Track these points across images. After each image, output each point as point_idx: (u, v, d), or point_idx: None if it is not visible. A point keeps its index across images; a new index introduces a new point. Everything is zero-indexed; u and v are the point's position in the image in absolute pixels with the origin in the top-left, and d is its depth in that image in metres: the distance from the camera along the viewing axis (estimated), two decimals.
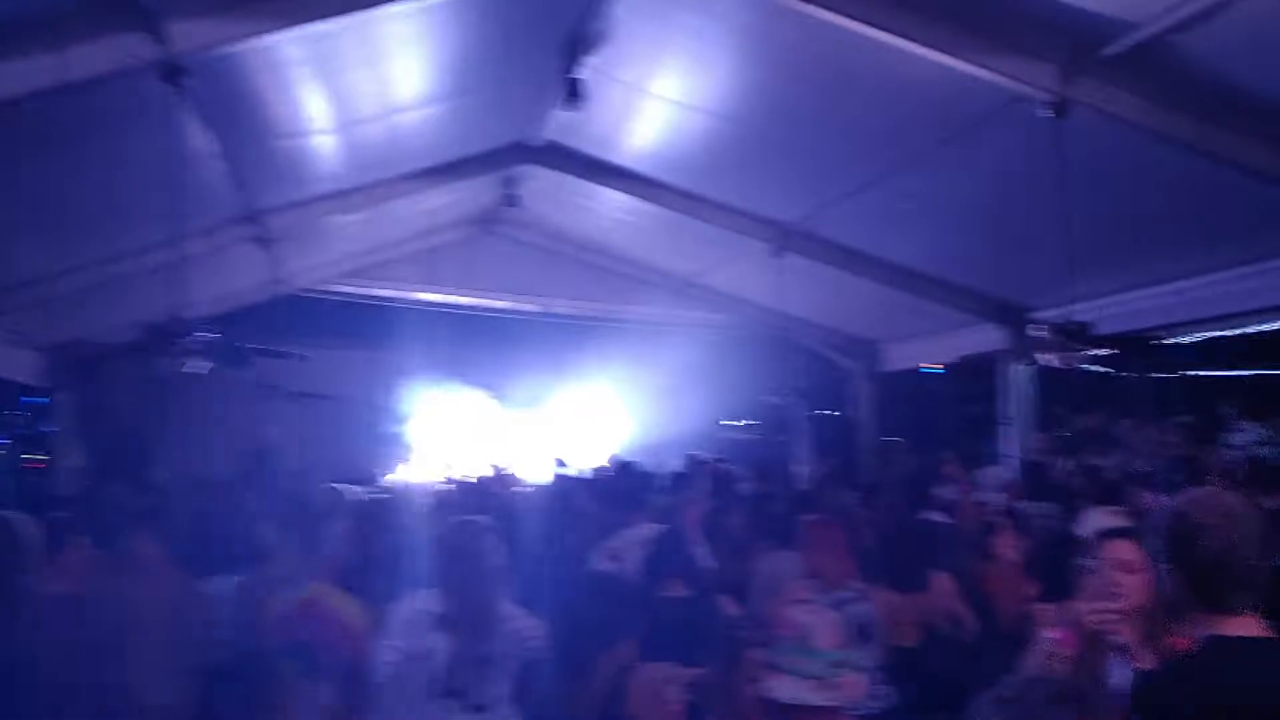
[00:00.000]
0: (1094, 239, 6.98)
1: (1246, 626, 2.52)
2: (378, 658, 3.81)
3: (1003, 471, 9.21)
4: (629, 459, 10.59)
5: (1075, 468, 10.28)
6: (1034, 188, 6.63)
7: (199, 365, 5.91)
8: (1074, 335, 5.84)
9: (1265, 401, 10.52)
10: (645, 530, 5.67)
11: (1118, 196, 6.74)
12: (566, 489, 9.18)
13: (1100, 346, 6.04)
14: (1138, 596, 3.05)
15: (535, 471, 11.76)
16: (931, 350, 12.02)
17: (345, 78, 6.63)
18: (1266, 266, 7.06)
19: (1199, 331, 8.49)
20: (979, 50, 5.42)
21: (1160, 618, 2.89)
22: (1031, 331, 5.95)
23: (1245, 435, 9.26)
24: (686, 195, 9.42)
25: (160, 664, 4.35)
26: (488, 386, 14.40)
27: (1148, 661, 2.89)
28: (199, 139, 6.33)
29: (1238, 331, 8.28)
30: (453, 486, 10.02)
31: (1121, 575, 3.07)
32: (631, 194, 9.49)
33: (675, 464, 11.38)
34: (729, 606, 4.81)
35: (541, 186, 10.07)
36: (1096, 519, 3.69)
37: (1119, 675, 2.96)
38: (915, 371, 13.04)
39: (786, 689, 2.67)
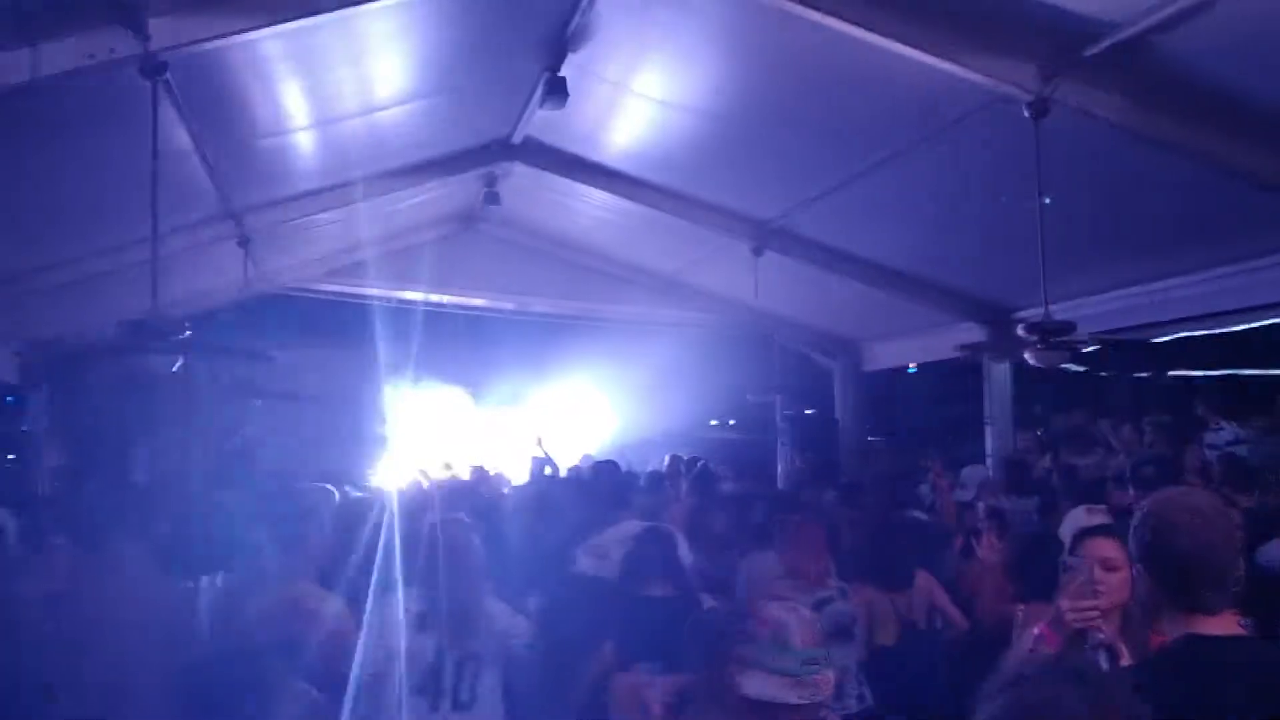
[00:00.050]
0: (1074, 239, 7.03)
1: (1222, 625, 2.53)
2: (362, 656, 3.80)
3: (984, 470, 9.25)
4: (606, 459, 10.57)
5: (1054, 466, 10.33)
6: (1015, 187, 6.66)
7: (177, 364, 5.87)
8: (1053, 335, 5.86)
9: (1242, 401, 10.60)
10: (629, 528, 5.67)
11: (1098, 196, 6.78)
12: (547, 487, 9.17)
13: (1080, 346, 6.07)
14: (1119, 594, 3.07)
15: (515, 470, 11.74)
16: (912, 349, 12.06)
17: (325, 75, 6.59)
18: (1246, 267, 7.11)
19: (1178, 331, 8.54)
20: (960, 50, 5.42)
21: (1141, 616, 2.91)
22: (1017, 331, 5.96)
23: (1222, 435, 9.32)
24: (667, 193, 9.41)
25: (140, 664, 4.33)
26: (468, 385, 14.38)
27: (1129, 659, 2.91)
28: (177, 136, 6.28)
29: (1216, 331, 8.33)
30: (433, 485, 9.98)
31: (1103, 573, 3.09)
32: (612, 192, 9.47)
33: (656, 463, 11.41)
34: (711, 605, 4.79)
35: (522, 184, 10.04)
36: (1078, 517, 3.70)
37: None
38: (896, 370, 13.09)
39: (759, 686, 2.68)
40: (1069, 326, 5.84)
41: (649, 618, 4.32)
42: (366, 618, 3.96)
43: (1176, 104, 5.41)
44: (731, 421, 17.15)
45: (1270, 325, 7.94)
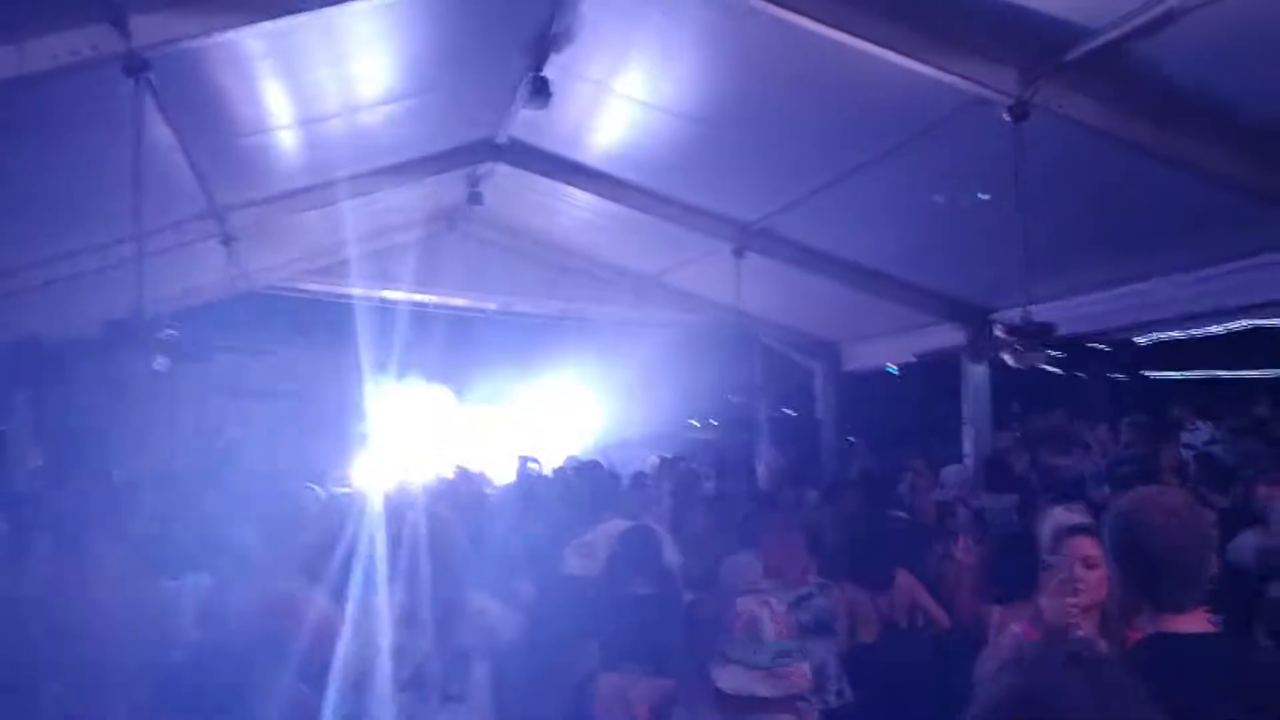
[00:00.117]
0: (1053, 241, 7.08)
1: (1193, 623, 2.57)
2: (349, 653, 3.81)
3: (964, 470, 9.31)
4: (590, 459, 10.59)
5: (1032, 465, 10.41)
6: (994, 190, 6.72)
7: (160, 363, 5.85)
8: (1032, 336, 5.91)
9: (1218, 402, 10.71)
10: (616, 527, 5.70)
11: (1077, 199, 6.84)
12: (531, 486, 9.18)
13: (1058, 347, 6.13)
14: (1098, 592, 3.11)
15: (499, 469, 11.74)
16: (892, 350, 12.12)
17: (308, 74, 6.59)
18: (1221, 270, 7.18)
19: (1155, 332, 8.62)
20: (940, 54, 5.47)
21: (1119, 613, 2.95)
22: (995, 331, 6.01)
23: (1199, 435, 9.42)
24: (650, 194, 9.44)
25: (124, 664, 4.32)
26: (451, 384, 14.36)
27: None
28: (160, 134, 6.27)
29: (1193, 333, 8.42)
30: (417, 483, 9.98)
31: (1083, 571, 3.13)
32: (595, 193, 9.49)
33: (638, 463, 11.42)
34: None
35: (505, 185, 10.05)
36: (1057, 516, 3.75)
37: None
38: (876, 371, 13.16)
39: (733, 680, 2.70)
40: (1048, 328, 5.90)
41: (632, 616, 4.35)
42: (353, 614, 3.97)
43: (1154, 108, 5.47)
44: (713, 421, 17.18)
45: (1245, 328, 8.03)
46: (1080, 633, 3.06)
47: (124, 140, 5.41)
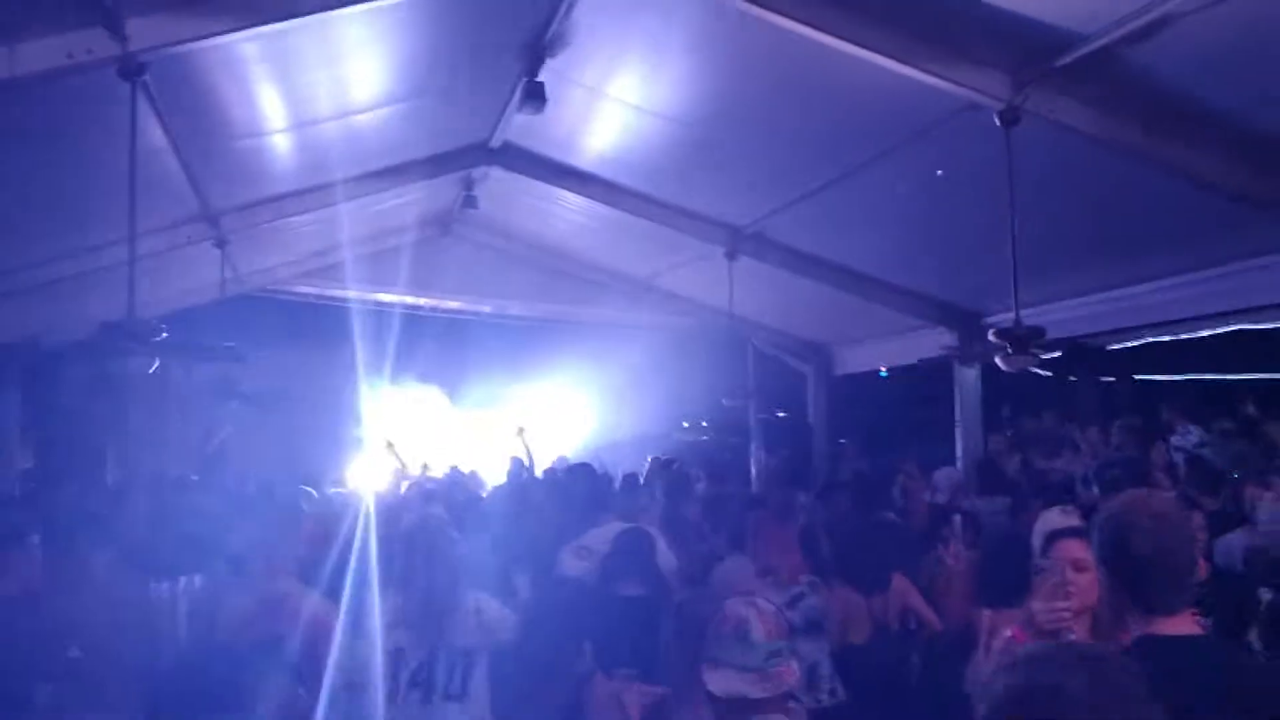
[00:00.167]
0: (1043, 245, 7.10)
1: (1180, 625, 2.59)
2: (345, 654, 3.83)
3: (956, 472, 9.34)
4: (581, 462, 10.59)
5: (1023, 468, 10.44)
6: (985, 194, 6.74)
7: (152, 365, 5.85)
8: (1023, 339, 5.93)
9: (1207, 405, 10.76)
10: (613, 529, 5.72)
11: (1067, 204, 6.87)
12: (524, 487, 9.19)
13: (1049, 351, 6.15)
14: (1090, 595, 3.13)
15: (492, 470, 11.75)
16: (883, 353, 12.15)
17: (303, 77, 6.60)
18: (1211, 274, 7.22)
19: (1145, 336, 8.65)
20: (932, 59, 5.50)
21: (1110, 616, 2.96)
22: (987, 335, 6.04)
23: (1189, 438, 9.45)
24: (643, 198, 9.46)
25: (116, 665, 4.32)
26: (445, 387, 14.37)
27: None
28: (155, 137, 6.27)
29: (1182, 336, 8.45)
30: (411, 485, 9.99)
31: (1074, 574, 3.15)
32: (589, 196, 9.51)
33: (630, 465, 11.43)
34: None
35: (500, 188, 10.06)
36: (1050, 519, 3.77)
37: None
38: (868, 374, 13.18)
39: (724, 683, 2.71)
40: (1039, 332, 5.92)
41: (624, 617, 4.37)
42: (350, 616, 3.99)
43: (1144, 114, 5.50)
44: (704, 423, 17.20)
45: (1234, 331, 8.07)
46: (1072, 636, 3.08)
47: (118, 143, 5.40)
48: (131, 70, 5.11)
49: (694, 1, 5.93)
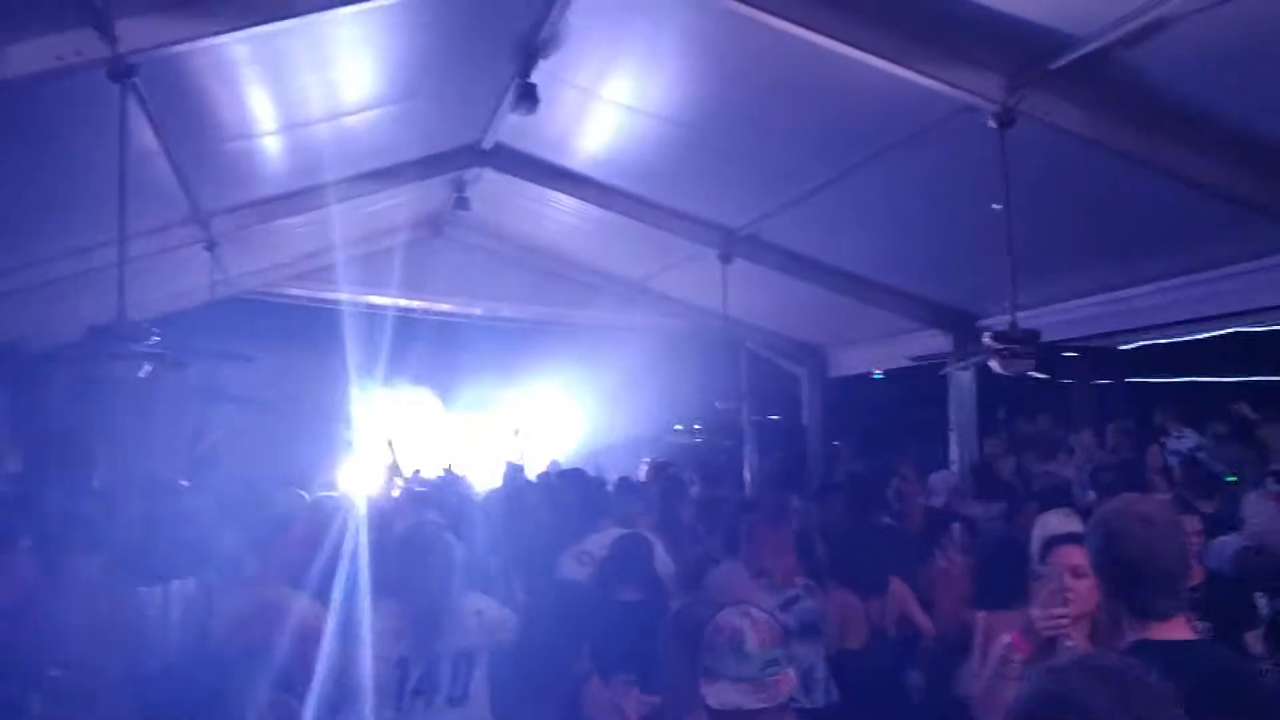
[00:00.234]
0: (1038, 248, 7.10)
1: (1174, 630, 2.57)
2: (341, 661, 3.81)
3: (952, 476, 9.33)
4: (574, 467, 10.56)
5: (1018, 471, 10.43)
6: (980, 196, 6.73)
7: (142, 368, 5.81)
8: (1018, 342, 5.92)
9: (1203, 408, 10.77)
10: (614, 534, 5.70)
11: (1063, 206, 6.86)
12: (518, 491, 9.16)
13: (1044, 353, 6.14)
14: (1089, 601, 3.11)
15: (485, 473, 11.72)
16: (878, 356, 12.14)
17: (294, 79, 6.56)
18: (1206, 276, 7.21)
19: (1140, 339, 8.66)
20: (927, 61, 5.48)
21: (1109, 622, 2.95)
22: (984, 340, 6.02)
23: (1185, 442, 9.47)
24: (636, 200, 9.44)
25: (106, 671, 4.29)
26: (437, 389, 14.33)
27: None
28: (145, 139, 6.23)
29: (1178, 339, 8.46)
30: (404, 489, 9.96)
31: (1072, 580, 3.13)
32: (582, 198, 9.49)
33: (624, 468, 11.42)
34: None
35: (492, 190, 10.03)
36: (1048, 524, 3.75)
37: None
38: (862, 376, 13.18)
39: (721, 695, 2.67)
40: (1034, 335, 5.91)
41: (622, 622, 4.35)
42: (342, 622, 3.96)
43: (1139, 117, 5.49)
44: (697, 426, 17.21)
45: (1229, 333, 8.07)
46: (1070, 643, 3.06)
47: (108, 145, 5.37)
48: (121, 72, 5.06)
49: (688, 2, 5.91)
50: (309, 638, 3.68)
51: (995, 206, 5.91)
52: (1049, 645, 3.06)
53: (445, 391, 14.67)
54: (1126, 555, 2.58)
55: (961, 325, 9.90)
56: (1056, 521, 3.79)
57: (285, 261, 11.14)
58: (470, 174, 9.71)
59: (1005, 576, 4.47)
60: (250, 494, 6.67)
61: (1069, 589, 3.09)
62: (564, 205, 9.95)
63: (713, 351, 12.67)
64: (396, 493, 9.63)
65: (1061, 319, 8.34)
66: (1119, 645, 2.86)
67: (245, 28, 5.19)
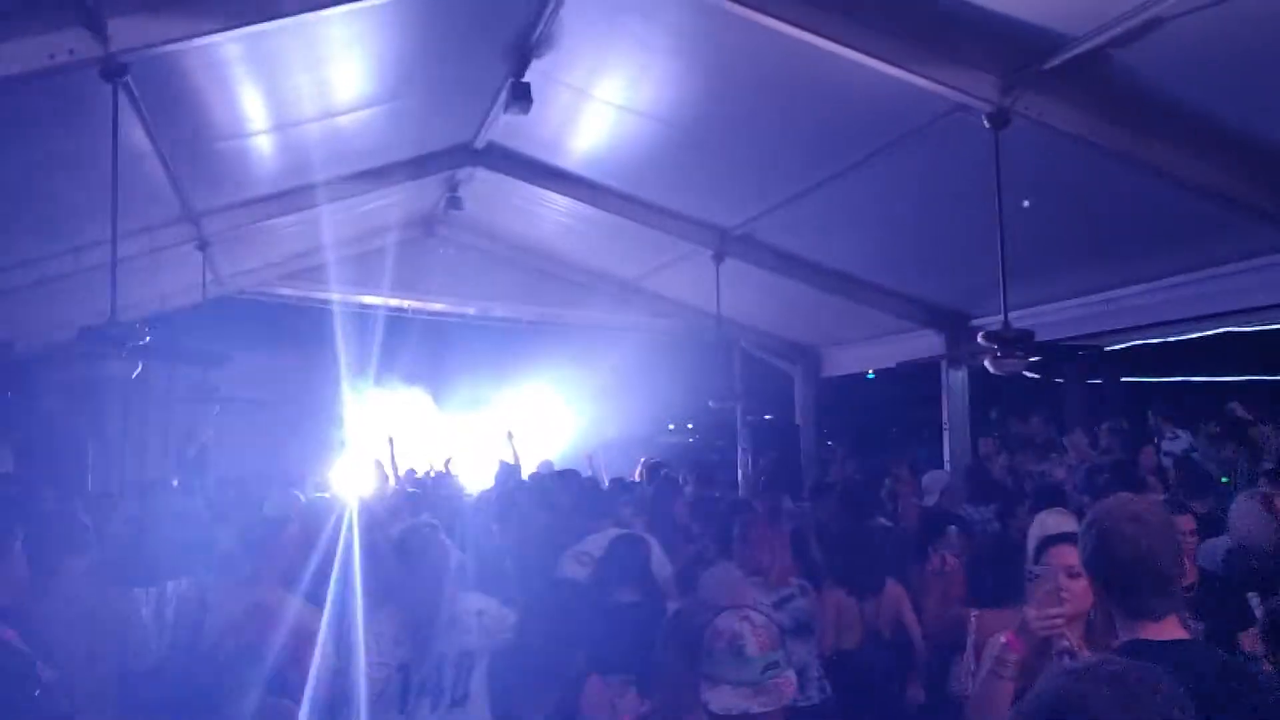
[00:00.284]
0: (1032, 248, 7.11)
1: (1166, 630, 2.57)
2: (335, 665, 3.80)
3: (945, 475, 9.34)
4: (568, 468, 10.55)
5: (1011, 471, 10.44)
6: (973, 196, 6.74)
7: (134, 368, 5.80)
8: (1012, 342, 5.93)
9: (1195, 407, 10.80)
10: (613, 534, 5.69)
11: (1056, 206, 6.87)
12: (511, 491, 9.14)
13: (1037, 353, 6.16)
14: (1084, 601, 3.11)
15: (477, 473, 11.71)
16: (871, 356, 12.16)
17: (286, 79, 6.55)
18: (1198, 276, 7.25)
19: (1133, 339, 8.68)
20: (921, 60, 5.49)
21: (1103, 622, 2.95)
22: (979, 339, 6.04)
23: (1179, 443, 9.49)
24: (630, 200, 9.43)
25: (97, 671, 4.28)
26: (429, 389, 14.32)
27: None
28: (137, 139, 6.21)
29: (1171, 339, 8.48)
30: (396, 489, 9.94)
31: (1067, 580, 3.13)
32: (575, 198, 9.48)
33: (616, 468, 11.41)
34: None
35: (485, 189, 10.02)
36: (1045, 523, 3.75)
37: None
38: (855, 376, 13.19)
39: (723, 701, 2.66)
40: (1027, 334, 5.92)
41: (619, 623, 4.35)
42: (336, 624, 3.96)
43: (1132, 117, 5.51)
44: (690, 425, 17.21)
45: (1222, 333, 8.10)
46: (1066, 643, 3.06)
47: (100, 144, 5.35)
48: (113, 71, 5.05)
49: (682, 2, 5.90)
50: (303, 639, 3.68)
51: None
52: (1044, 645, 3.06)
53: (437, 391, 14.66)
54: (1119, 555, 2.58)
55: (954, 325, 9.92)
56: (1052, 521, 3.79)
57: (277, 261, 11.12)
58: (463, 173, 9.70)
59: (997, 574, 4.48)
60: (242, 494, 6.67)
61: (1064, 588, 3.09)
62: (557, 205, 9.95)
63: (706, 351, 12.67)
64: (390, 492, 9.61)
65: (1054, 319, 8.36)
66: (1113, 645, 2.87)
67: (237, 27, 5.17)
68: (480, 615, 4.19)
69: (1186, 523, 5.02)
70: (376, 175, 8.97)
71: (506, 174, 9.38)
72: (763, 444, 13.86)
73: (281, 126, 7.31)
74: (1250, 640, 4.26)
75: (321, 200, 8.80)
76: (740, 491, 11.29)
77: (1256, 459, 8.73)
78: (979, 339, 6.09)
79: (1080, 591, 3.09)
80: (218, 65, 5.89)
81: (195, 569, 4.88)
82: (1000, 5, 4.95)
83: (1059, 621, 3.04)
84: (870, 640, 5.57)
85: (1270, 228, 5.99)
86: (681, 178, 8.79)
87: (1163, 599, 2.58)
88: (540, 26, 6.44)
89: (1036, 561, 3.43)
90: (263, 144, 7.54)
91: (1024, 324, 6.17)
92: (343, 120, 7.54)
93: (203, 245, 8.86)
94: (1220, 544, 5.79)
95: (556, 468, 10.66)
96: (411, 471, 11.31)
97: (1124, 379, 14.35)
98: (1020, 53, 5.31)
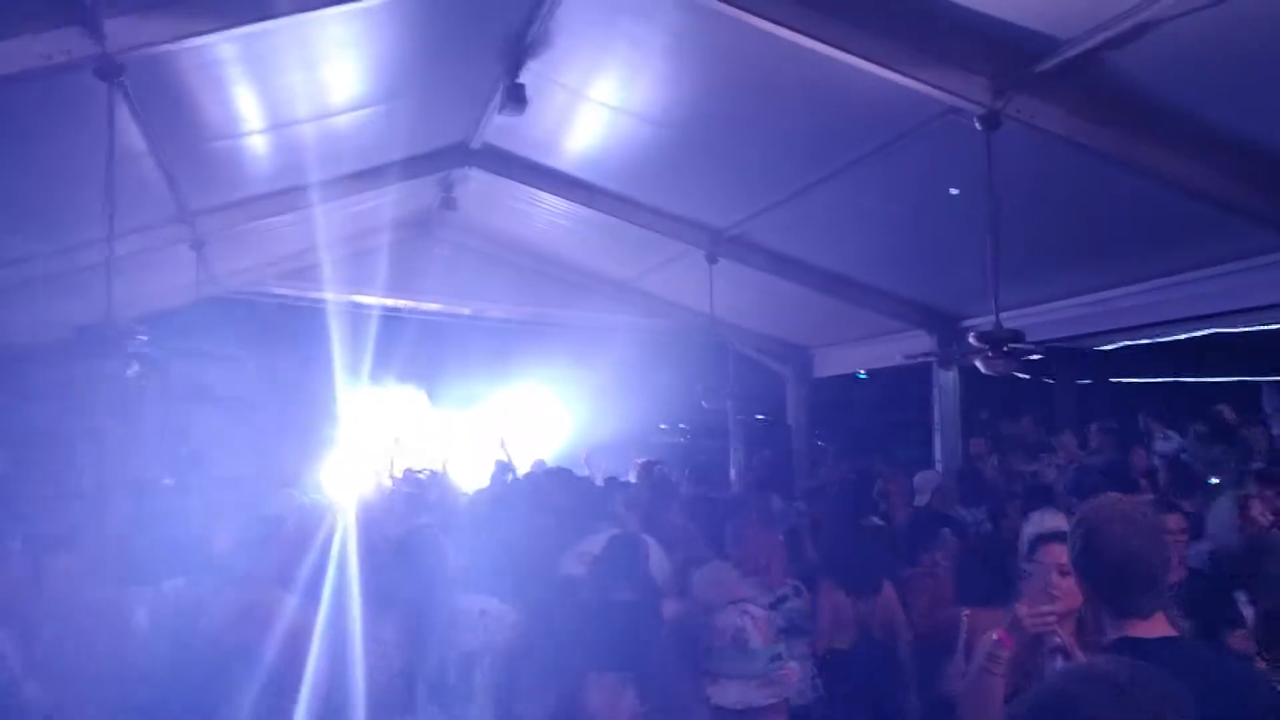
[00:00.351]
0: (1024, 249, 7.15)
1: (1154, 628, 2.60)
2: (332, 667, 3.81)
3: (936, 475, 9.38)
4: (559, 466, 10.56)
5: (1001, 472, 10.49)
6: (965, 197, 6.77)
7: (128, 368, 5.80)
8: (1003, 343, 5.96)
9: (1184, 408, 10.86)
10: (611, 534, 5.71)
11: (1047, 208, 6.91)
12: (506, 491, 9.16)
13: (1028, 354, 6.19)
14: (1075, 599, 3.14)
15: (473, 473, 11.71)
16: (863, 356, 12.20)
17: (281, 78, 6.55)
18: (1189, 277, 7.29)
19: (1122, 340, 8.72)
20: (913, 63, 5.51)
21: (1094, 620, 2.98)
22: (970, 339, 6.07)
23: (1170, 443, 9.54)
24: (624, 200, 9.45)
25: (89, 672, 4.28)
26: (424, 388, 14.31)
27: None
28: (131, 138, 6.22)
29: (1161, 340, 8.52)
30: (393, 489, 9.94)
31: (1059, 578, 3.16)
32: (569, 199, 9.50)
33: (610, 467, 11.42)
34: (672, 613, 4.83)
35: (479, 190, 10.03)
36: (1037, 522, 3.79)
37: None
38: (847, 377, 13.23)
39: (733, 694, 2.69)
40: (1018, 335, 5.95)
41: (616, 621, 4.36)
42: (334, 625, 3.96)
43: (1124, 119, 5.53)
44: (682, 425, 17.21)
45: (1211, 334, 8.14)
46: (1057, 641, 3.09)
47: (95, 144, 5.36)
48: (109, 71, 5.06)
49: (676, 4, 5.92)
50: (300, 640, 3.68)
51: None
52: (1035, 642, 3.09)
53: (432, 390, 14.65)
54: (1106, 554, 2.61)
55: (946, 326, 9.96)
56: (1044, 519, 3.82)
57: (271, 261, 11.11)
58: (458, 174, 9.71)
59: (988, 573, 4.51)
60: (238, 493, 6.68)
61: (1056, 586, 3.12)
62: (551, 205, 9.96)
63: (699, 351, 12.68)
64: (388, 492, 9.62)
65: (1045, 319, 8.39)
66: (1103, 643, 2.90)
67: (233, 26, 5.19)
68: (482, 615, 4.22)
69: (1176, 522, 5.08)
70: (371, 175, 8.96)
71: (501, 174, 9.39)
72: (755, 444, 13.89)
73: (276, 126, 7.31)
74: (1239, 639, 4.30)
75: (316, 200, 8.79)
76: (733, 490, 11.31)
77: (1246, 459, 8.79)
78: (970, 339, 6.12)
79: (1071, 589, 3.11)
80: (213, 65, 5.89)
81: (191, 569, 4.89)
82: (992, 8, 4.98)
83: (1050, 619, 3.07)
84: (864, 640, 5.59)
85: (1261, 229, 6.03)
86: (675, 179, 8.81)
87: (1150, 597, 2.60)
88: (535, 26, 6.46)
89: (1029, 559, 3.46)
90: (258, 144, 7.54)
91: (1014, 325, 6.19)
92: (337, 120, 7.55)
93: (197, 245, 8.86)
94: (1207, 544, 5.85)
95: (550, 467, 10.68)
96: (408, 471, 11.30)
97: (1113, 380, 14.41)
98: (1012, 55, 5.33)
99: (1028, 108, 5.52)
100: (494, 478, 10.62)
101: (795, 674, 2.77)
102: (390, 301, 12.14)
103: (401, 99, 7.59)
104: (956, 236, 7.50)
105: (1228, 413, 9.49)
